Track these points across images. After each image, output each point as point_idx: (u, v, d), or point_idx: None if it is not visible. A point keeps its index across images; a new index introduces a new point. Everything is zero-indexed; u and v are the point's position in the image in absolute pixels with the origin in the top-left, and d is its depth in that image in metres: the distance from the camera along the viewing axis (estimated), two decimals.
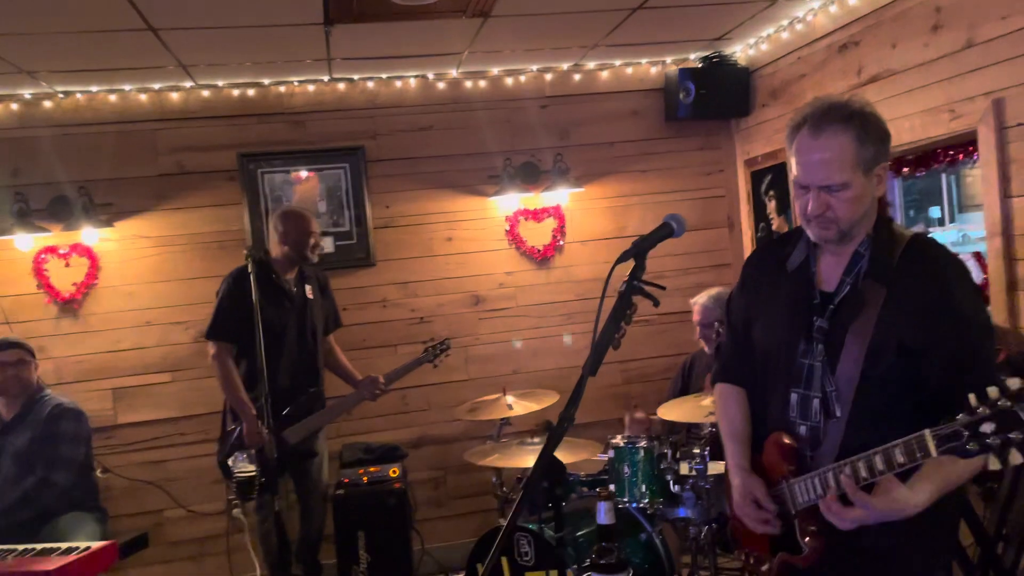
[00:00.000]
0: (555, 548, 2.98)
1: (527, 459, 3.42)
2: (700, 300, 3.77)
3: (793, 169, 1.79)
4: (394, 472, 3.95)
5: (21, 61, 3.57)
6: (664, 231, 1.75)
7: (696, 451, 3.03)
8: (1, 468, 3.37)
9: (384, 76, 4.42)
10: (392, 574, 3.85)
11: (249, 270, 3.43)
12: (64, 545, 2.88)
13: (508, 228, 4.61)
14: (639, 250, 1.72)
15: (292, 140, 4.37)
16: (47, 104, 4.12)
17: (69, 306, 4.17)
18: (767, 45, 4.32)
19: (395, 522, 3.86)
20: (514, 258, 4.64)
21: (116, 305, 4.22)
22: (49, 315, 4.15)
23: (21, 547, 2.88)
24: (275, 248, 3.76)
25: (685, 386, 3.91)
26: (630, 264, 1.73)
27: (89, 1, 2.94)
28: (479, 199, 4.58)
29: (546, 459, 1.64)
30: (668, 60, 4.67)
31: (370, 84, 4.43)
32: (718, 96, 4.51)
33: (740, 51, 4.56)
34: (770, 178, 4.48)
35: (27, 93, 4.06)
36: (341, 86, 4.41)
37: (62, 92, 4.10)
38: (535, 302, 4.66)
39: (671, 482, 3.08)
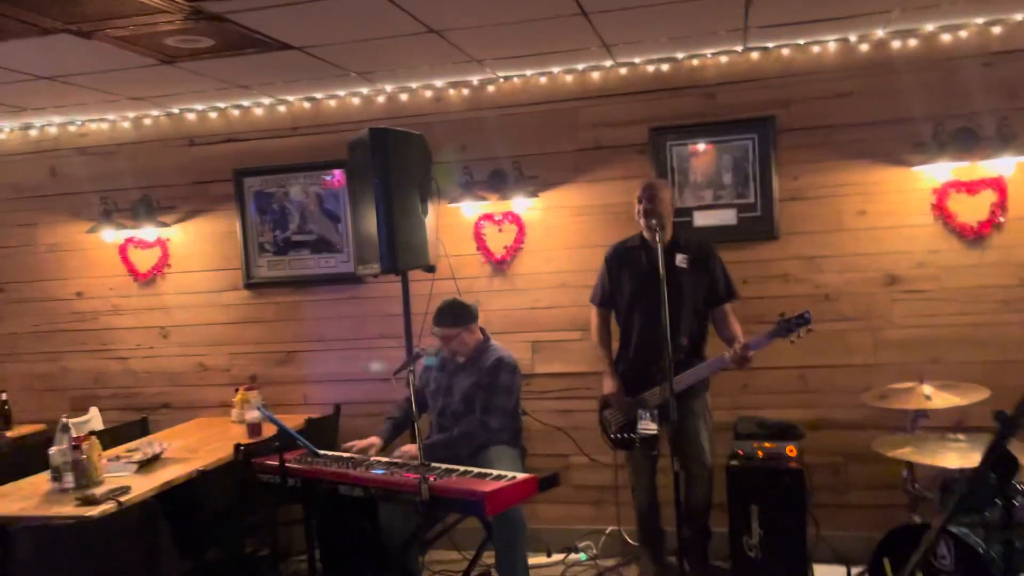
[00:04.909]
0: (981, 556, 2.68)
1: (948, 457, 3.12)
2: None
3: None
4: (791, 451, 3.86)
5: (474, 51, 4.11)
6: None
7: None
8: (451, 403, 3.98)
9: (801, 42, 4.25)
10: (784, 553, 3.79)
11: (657, 240, 3.56)
12: (495, 472, 3.34)
13: (935, 201, 4.17)
14: None
15: (702, 112, 4.43)
16: (490, 88, 4.70)
17: (500, 266, 4.75)
18: None
19: (790, 501, 3.79)
20: (940, 235, 4.19)
21: (537, 267, 4.71)
22: (484, 273, 4.78)
23: (462, 468, 3.41)
24: None
25: None
26: None
27: None
28: (901, 169, 4.20)
29: (997, 451, 1.49)
30: None
31: (785, 51, 4.30)
32: None
33: None
34: None
35: (475, 79, 4.68)
36: (754, 55, 4.34)
37: (503, 76, 4.64)
38: (963, 285, 4.16)
39: None
